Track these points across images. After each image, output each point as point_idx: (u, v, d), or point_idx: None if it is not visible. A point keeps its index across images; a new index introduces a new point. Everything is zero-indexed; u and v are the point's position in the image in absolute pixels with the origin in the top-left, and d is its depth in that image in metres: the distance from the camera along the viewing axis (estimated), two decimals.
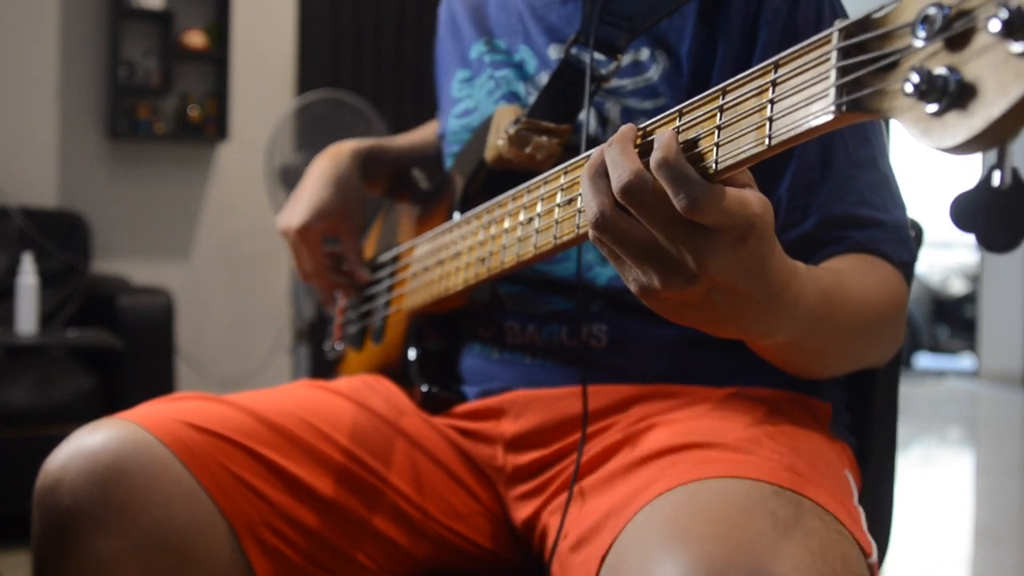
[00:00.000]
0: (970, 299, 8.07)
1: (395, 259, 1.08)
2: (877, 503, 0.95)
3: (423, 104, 4.11)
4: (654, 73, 0.87)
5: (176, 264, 3.87)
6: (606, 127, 0.89)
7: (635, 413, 0.84)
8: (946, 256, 8.44)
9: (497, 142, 0.90)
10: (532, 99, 0.93)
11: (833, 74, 0.47)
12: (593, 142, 0.86)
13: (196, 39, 3.77)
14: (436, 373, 0.99)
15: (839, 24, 0.48)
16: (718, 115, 0.55)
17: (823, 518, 0.64)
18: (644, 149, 0.58)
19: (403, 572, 0.88)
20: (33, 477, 0.78)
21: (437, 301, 0.95)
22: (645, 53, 0.88)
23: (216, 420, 0.82)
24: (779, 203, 0.83)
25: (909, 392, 6.36)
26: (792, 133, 0.50)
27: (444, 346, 1.01)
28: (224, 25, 3.80)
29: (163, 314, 2.92)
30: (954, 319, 8.24)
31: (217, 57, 3.82)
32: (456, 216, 0.95)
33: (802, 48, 0.50)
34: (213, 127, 3.81)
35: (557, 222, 0.71)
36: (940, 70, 0.41)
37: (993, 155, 0.42)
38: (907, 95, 0.43)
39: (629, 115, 0.87)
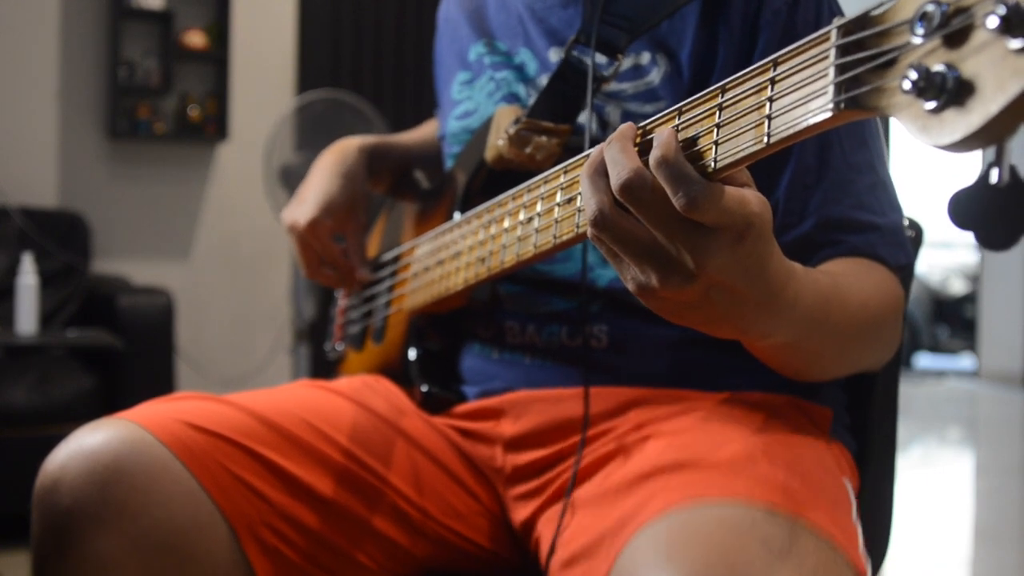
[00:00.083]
0: (970, 299, 8.07)
1: (396, 259, 1.08)
2: (877, 503, 0.95)
3: (423, 104, 4.11)
4: (655, 76, 0.87)
5: (176, 264, 3.87)
6: (606, 130, 0.89)
7: (632, 418, 0.84)
8: (946, 256, 8.45)
9: (497, 142, 0.90)
10: (532, 101, 0.93)
11: (831, 71, 0.47)
12: (594, 143, 0.86)
13: (196, 39, 3.77)
14: (436, 373, 0.99)
15: (838, 21, 0.48)
16: (717, 113, 0.55)
17: (817, 541, 0.64)
18: (643, 147, 0.58)
19: (403, 572, 0.88)
20: (33, 477, 0.78)
21: (437, 301, 0.95)
22: (646, 57, 0.88)
23: (216, 420, 0.82)
24: (776, 205, 0.83)
25: (909, 392, 6.36)
26: (791, 131, 0.50)
27: (444, 346, 1.01)
28: (224, 25, 3.81)
29: (163, 314, 2.92)
30: (954, 319, 8.24)
31: (217, 57, 3.82)
32: (456, 216, 0.95)
33: (800, 46, 0.50)
34: (213, 127, 3.81)
35: (557, 221, 0.71)
36: (938, 67, 0.41)
37: (991, 152, 0.42)
38: (905, 92, 0.43)
39: (630, 119, 0.86)
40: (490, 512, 0.93)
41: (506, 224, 0.80)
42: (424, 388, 0.97)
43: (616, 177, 0.56)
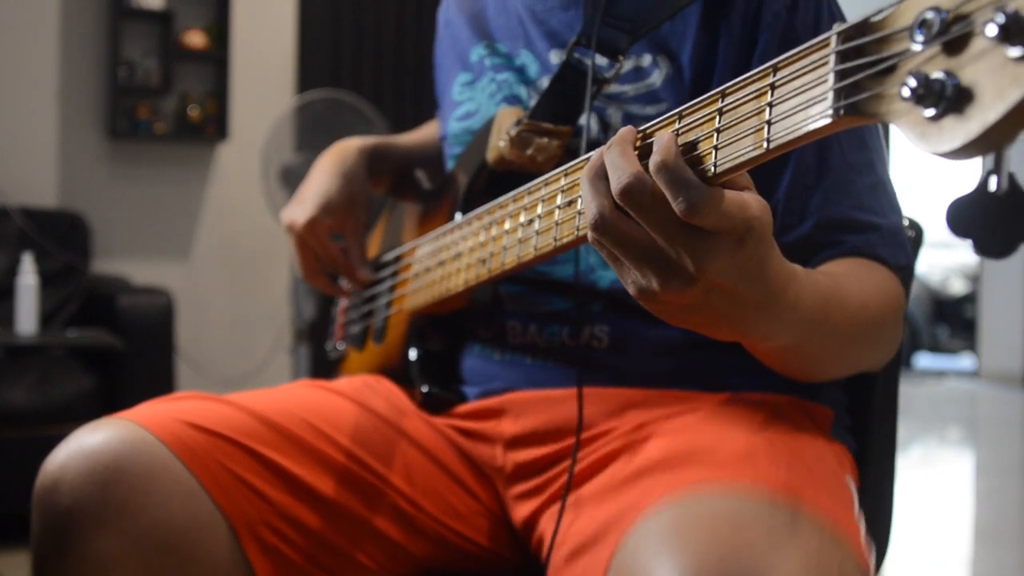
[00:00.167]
0: (970, 299, 8.07)
1: (397, 259, 1.08)
2: (877, 503, 0.95)
3: (423, 104, 4.11)
4: (656, 79, 0.87)
5: (176, 264, 3.87)
6: (608, 134, 0.89)
7: (633, 419, 0.84)
8: (946, 256, 8.44)
9: (499, 143, 0.90)
10: (533, 103, 0.93)
11: (831, 78, 0.47)
12: (594, 145, 0.86)
13: (196, 39, 3.77)
14: (437, 373, 0.99)
15: (837, 28, 0.48)
16: (717, 118, 0.55)
17: (820, 530, 0.64)
18: (644, 151, 0.58)
19: (403, 572, 0.88)
20: (33, 477, 0.78)
21: (438, 301, 0.95)
22: (647, 59, 0.88)
23: (216, 420, 0.82)
24: (776, 206, 0.83)
25: (909, 392, 6.36)
26: (790, 136, 0.50)
27: (445, 346, 1.01)
28: (224, 25, 3.80)
29: (163, 314, 2.92)
30: (954, 319, 8.24)
31: (217, 57, 3.82)
32: (458, 217, 0.95)
33: (801, 51, 0.50)
34: (213, 127, 3.81)
35: (557, 223, 0.71)
36: (937, 74, 0.41)
37: (990, 160, 0.42)
38: (904, 99, 0.43)
39: (631, 121, 0.87)
40: (490, 512, 0.93)
41: (507, 226, 0.80)
42: (424, 388, 0.97)
43: (616, 181, 0.56)
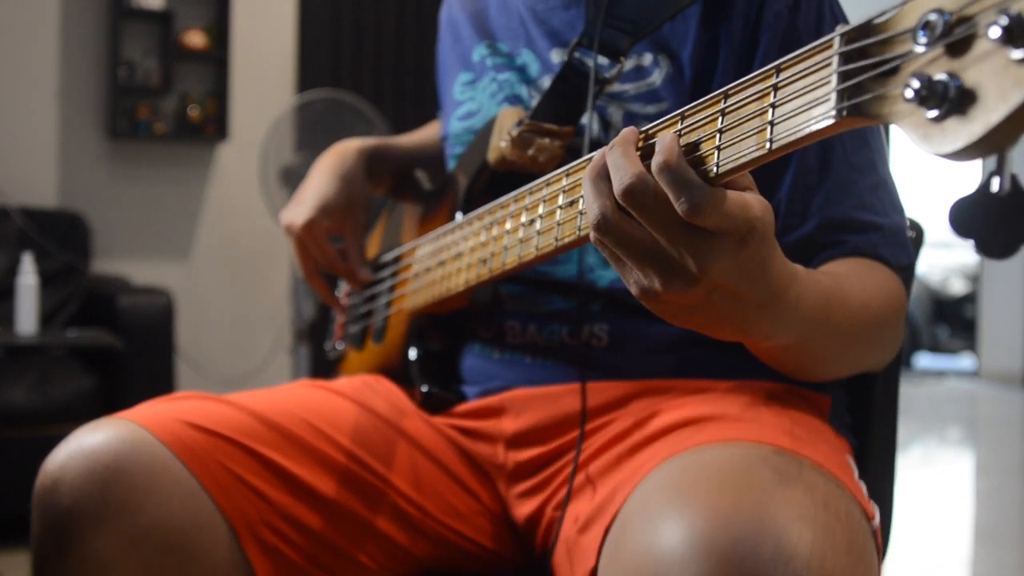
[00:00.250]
0: (970, 299, 8.07)
1: (397, 259, 1.08)
2: (877, 503, 0.95)
3: (423, 104, 4.11)
4: (657, 78, 0.87)
5: (176, 264, 3.87)
6: (608, 132, 0.89)
7: (635, 408, 0.85)
8: (946, 256, 8.44)
9: (500, 144, 0.90)
10: (535, 102, 0.93)
11: (834, 79, 0.47)
12: (596, 145, 0.86)
13: (196, 39, 3.77)
14: (437, 373, 0.99)
15: (841, 29, 0.48)
16: (720, 119, 0.55)
17: (825, 476, 0.65)
18: (646, 152, 0.58)
19: (404, 572, 0.88)
20: (33, 477, 0.78)
21: (438, 301, 0.95)
22: (648, 58, 0.88)
23: (216, 420, 0.82)
24: (778, 206, 0.83)
25: (909, 392, 6.36)
26: (793, 137, 0.50)
27: (445, 346, 1.01)
28: (224, 25, 3.80)
29: (163, 314, 2.92)
30: (954, 319, 8.24)
31: (217, 57, 3.82)
32: (458, 217, 0.95)
33: (804, 53, 0.50)
34: (213, 127, 3.81)
35: (559, 224, 0.71)
36: (940, 76, 0.41)
37: (993, 161, 0.42)
38: (907, 100, 0.43)
39: (631, 120, 0.87)
40: (491, 511, 0.93)
41: (508, 226, 0.80)
42: (424, 388, 0.97)
43: (618, 182, 0.56)
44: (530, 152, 0.87)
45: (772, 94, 0.52)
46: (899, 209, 0.85)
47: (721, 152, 0.54)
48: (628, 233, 0.57)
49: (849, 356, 0.81)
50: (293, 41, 4.07)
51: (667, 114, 0.59)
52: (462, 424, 0.95)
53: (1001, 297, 6.78)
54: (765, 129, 0.52)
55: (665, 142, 0.55)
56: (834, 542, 0.59)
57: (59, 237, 3.27)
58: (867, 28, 0.46)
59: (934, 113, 0.41)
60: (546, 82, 0.95)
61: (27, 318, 2.76)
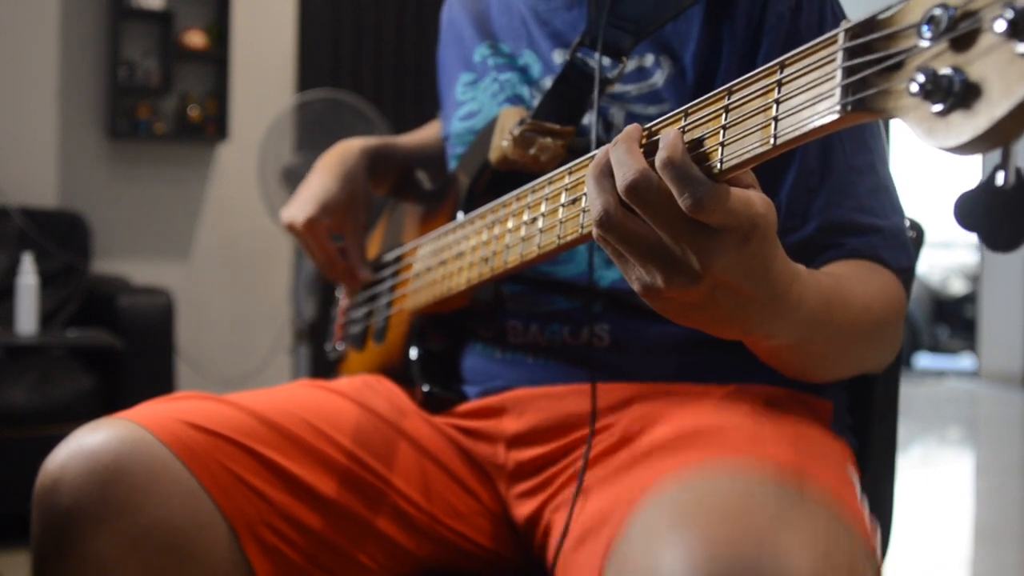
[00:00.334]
0: (970, 299, 8.08)
1: (398, 259, 1.08)
2: (877, 503, 0.95)
3: (423, 104, 4.11)
4: (659, 79, 0.87)
5: (176, 264, 3.88)
6: (610, 132, 0.89)
7: (636, 411, 0.85)
8: (946, 256, 8.45)
9: (502, 143, 0.90)
10: (536, 102, 0.93)
11: (839, 74, 0.47)
12: (598, 145, 0.86)
13: (196, 39, 3.77)
14: (437, 373, 0.99)
15: (845, 25, 0.48)
16: (723, 115, 0.55)
17: (827, 511, 0.65)
18: (649, 148, 0.58)
19: (404, 572, 0.88)
20: (33, 477, 0.78)
21: (440, 301, 0.95)
22: (650, 59, 0.88)
23: (216, 420, 0.82)
24: (779, 208, 0.83)
25: (909, 392, 6.37)
26: (797, 133, 0.50)
27: (446, 346, 1.01)
28: (224, 25, 3.81)
29: (163, 314, 2.92)
30: (954, 319, 8.25)
31: (217, 57, 3.82)
32: (460, 216, 0.95)
33: (808, 48, 0.50)
34: (213, 127, 3.81)
35: (561, 222, 0.71)
36: (945, 70, 0.41)
37: (997, 155, 0.42)
38: (912, 95, 0.43)
39: (634, 120, 0.87)
40: (491, 511, 0.93)
41: (510, 224, 0.80)
42: (425, 388, 0.97)
43: (622, 178, 0.56)
44: (532, 151, 0.87)
45: (776, 90, 0.52)
46: (899, 211, 0.85)
47: (725, 148, 0.54)
48: (631, 230, 0.57)
49: (850, 357, 0.81)
50: (293, 41, 4.08)
51: None
52: (462, 424, 0.95)
53: (1001, 297, 6.79)
54: (769, 125, 0.52)
55: (669, 138, 0.55)
56: (835, 573, 0.59)
57: (59, 237, 3.27)
58: (871, 23, 0.46)
59: (939, 107, 0.41)
60: (548, 83, 0.95)
61: (27, 318, 2.76)
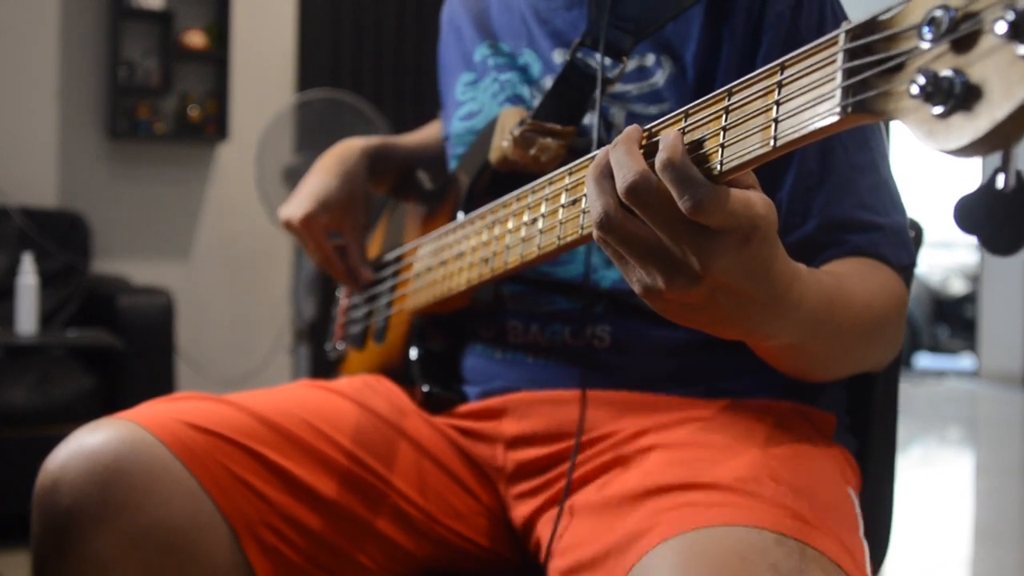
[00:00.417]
0: (970, 299, 8.08)
1: (398, 259, 1.08)
2: (877, 503, 0.95)
3: (423, 104, 4.11)
4: (659, 78, 0.87)
5: (176, 264, 3.87)
6: (611, 132, 0.89)
7: (632, 423, 0.84)
8: (946, 256, 8.45)
9: (502, 144, 0.90)
10: (537, 102, 0.93)
11: (839, 76, 0.47)
12: (599, 145, 0.86)
13: (196, 39, 3.77)
14: (438, 373, 0.99)
15: (846, 26, 0.48)
16: (724, 116, 0.55)
17: (826, 569, 0.64)
18: (649, 150, 0.58)
19: (403, 572, 0.88)
20: (33, 477, 0.78)
21: (440, 301, 0.95)
22: (650, 58, 0.88)
23: (216, 420, 0.82)
24: (779, 206, 0.83)
25: (909, 392, 6.37)
26: (798, 134, 0.50)
27: (446, 346, 1.01)
28: (224, 25, 3.80)
29: (163, 314, 2.91)
30: (954, 319, 8.25)
31: (217, 57, 3.82)
32: (460, 216, 0.95)
33: (809, 50, 0.50)
34: (213, 127, 3.81)
35: (561, 223, 0.71)
36: (946, 72, 0.41)
37: (998, 158, 0.42)
38: (913, 97, 0.43)
39: (634, 120, 0.87)
40: (490, 512, 0.93)
41: (510, 225, 0.80)
42: (425, 388, 0.97)
43: (622, 180, 0.56)
44: (532, 152, 0.87)
45: (777, 91, 0.52)
46: (900, 208, 0.85)
47: (725, 150, 0.54)
48: (631, 231, 0.57)
49: (851, 355, 0.81)
50: (293, 41, 4.07)
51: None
52: (462, 425, 0.95)
53: (1001, 297, 6.78)
54: (769, 126, 0.52)
55: (669, 139, 0.55)
56: None
57: (59, 237, 3.27)
58: (872, 25, 0.46)
59: (939, 109, 0.41)
60: (548, 82, 0.95)
61: (27, 318, 2.76)
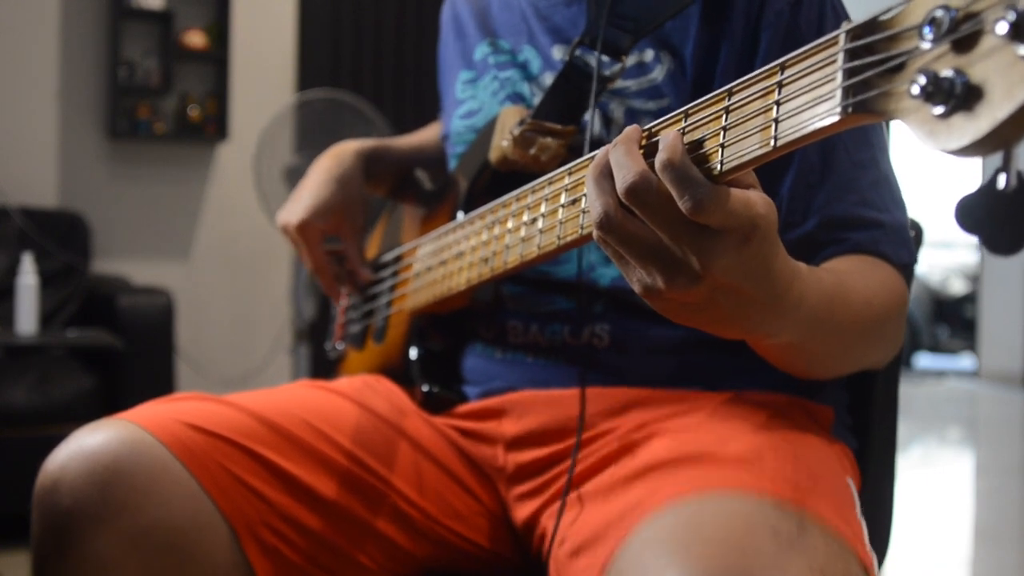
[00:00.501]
0: (970, 299, 8.08)
1: (398, 259, 1.08)
2: (877, 503, 0.95)
3: (423, 104, 4.11)
4: (658, 74, 0.87)
5: (176, 264, 3.87)
6: (610, 128, 0.89)
7: (634, 418, 0.84)
8: (946, 256, 8.45)
9: (502, 143, 0.90)
10: (536, 100, 0.93)
11: (840, 76, 0.47)
12: (598, 143, 0.86)
13: (196, 39, 3.77)
14: (437, 373, 0.99)
15: (846, 26, 0.48)
16: (724, 116, 0.55)
17: (825, 535, 0.64)
18: (649, 150, 0.58)
19: (403, 572, 0.88)
20: (33, 477, 0.78)
21: (440, 301, 0.95)
22: (649, 54, 0.88)
23: (216, 420, 0.82)
24: (780, 204, 0.82)
25: (909, 392, 6.37)
26: (798, 134, 0.50)
27: (446, 346, 1.01)
28: (224, 25, 3.80)
29: (163, 314, 2.91)
30: (954, 319, 8.25)
31: (217, 57, 3.82)
32: (460, 216, 0.95)
33: (809, 50, 0.50)
34: (213, 127, 3.81)
35: (561, 222, 0.71)
36: (947, 72, 0.41)
37: (998, 158, 0.42)
38: (913, 97, 0.43)
39: (633, 116, 0.87)
40: (491, 512, 0.93)
41: (510, 224, 0.80)
42: (425, 388, 0.97)
43: (621, 180, 0.56)
44: (532, 151, 0.87)
45: (777, 91, 0.52)
46: (901, 206, 0.85)
47: (725, 150, 0.54)
48: (631, 231, 0.57)
49: (851, 353, 0.81)
50: (293, 41, 4.07)
51: (668, 110, 0.59)
52: (462, 425, 0.95)
53: (1001, 297, 6.78)
54: (769, 126, 0.52)
55: (668, 140, 0.55)
56: None
57: (59, 237, 3.27)
58: (873, 25, 0.46)
59: (940, 109, 0.41)
60: (547, 79, 0.95)
61: (27, 318, 2.76)
